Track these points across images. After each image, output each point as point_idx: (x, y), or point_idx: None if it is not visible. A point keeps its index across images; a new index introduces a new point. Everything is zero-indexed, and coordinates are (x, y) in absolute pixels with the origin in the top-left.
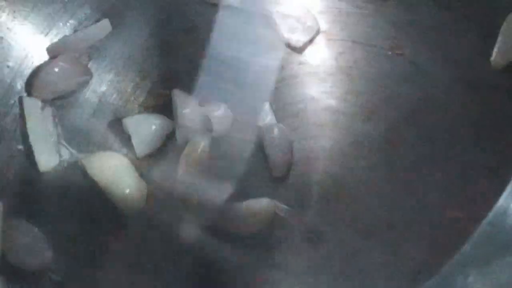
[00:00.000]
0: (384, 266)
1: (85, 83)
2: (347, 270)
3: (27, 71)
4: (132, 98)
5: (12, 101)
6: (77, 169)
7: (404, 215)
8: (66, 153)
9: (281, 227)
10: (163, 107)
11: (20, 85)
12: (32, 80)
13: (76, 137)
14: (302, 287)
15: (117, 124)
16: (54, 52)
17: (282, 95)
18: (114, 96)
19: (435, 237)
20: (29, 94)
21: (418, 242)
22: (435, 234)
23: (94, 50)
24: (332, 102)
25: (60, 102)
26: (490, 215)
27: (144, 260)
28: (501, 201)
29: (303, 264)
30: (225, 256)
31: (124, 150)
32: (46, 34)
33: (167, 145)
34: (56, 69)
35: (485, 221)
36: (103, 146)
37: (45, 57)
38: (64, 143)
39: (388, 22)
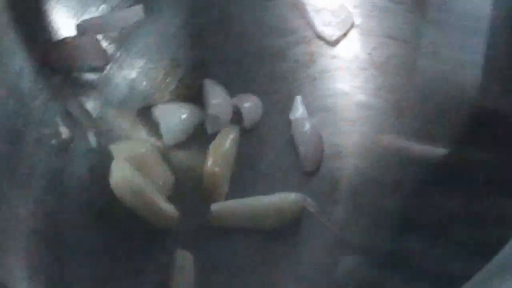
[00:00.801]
0: (408, 269)
1: (100, 68)
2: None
3: None
4: (163, 86)
5: (41, 86)
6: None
7: (433, 217)
8: (94, 141)
9: (308, 223)
10: (194, 96)
11: (49, 68)
12: (48, 51)
13: (105, 125)
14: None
15: (146, 112)
16: (83, 29)
17: (313, 89)
18: (144, 83)
19: (467, 243)
20: (43, 64)
21: (446, 246)
22: (468, 239)
23: (126, 36)
24: (364, 97)
25: (89, 87)
26: (510, 244)
27: None
28: None
29: (327, 261)
30: (250, 250)
31: (153, 139)
32: (78, 18)
33: (196, 135)
34: (72, 47)
35: (502, 251)
36: (132, 134)
37: None
38: (92, 130)
39: (423, 19)
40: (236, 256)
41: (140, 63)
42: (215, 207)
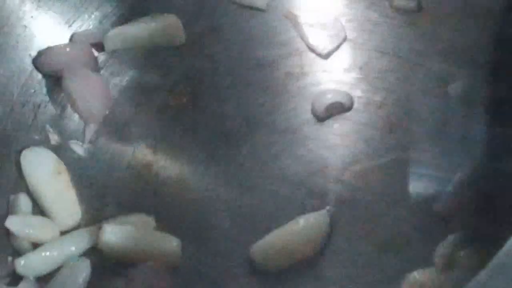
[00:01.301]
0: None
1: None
2: (358, 281)
3: None
4: (153, 95)
5: (32, 90)
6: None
7: (423, 231)
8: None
9: None
10: (184, 105)
11: (40, 74)
12: (40, 55)
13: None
14: None
15: (136, 119)
16: (77, 40)
17: (303, 102)
18: (135, 91)
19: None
20: (35, 67)
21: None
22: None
23: None
24: (354, 111)
25: None
26: (508, 243)
27: None
28: None
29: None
30: None
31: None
32: (70, 25)
33: None
34: (64, 53)
35: (502, 251)
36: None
37: None
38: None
39: (417, 35)
40: None
41: (131, 70)
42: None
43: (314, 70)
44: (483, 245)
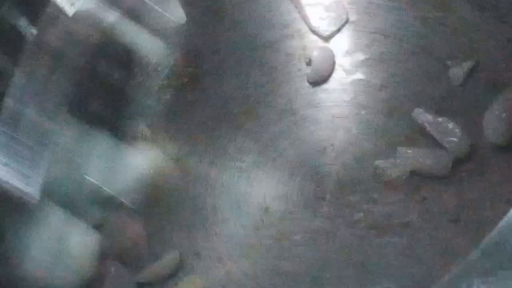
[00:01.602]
0: (394, 266)
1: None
2: (355, 266)
3: None
4: (154, 74)
5: None
6: None
7: (419, 215)
8: None
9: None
10: (185, 85)
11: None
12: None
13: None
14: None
15: (136, 98)
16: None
17: (304, 83)
18: (135, 70)
19: (449, 241)
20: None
21: (431, 243)
22: (449, 238)
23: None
24: (354, 94)
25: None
26: (501, 223)
27: None
28: None
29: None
30: None
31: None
32: (72, 4)
33: None
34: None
35: (495, 230)
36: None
37: None
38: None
39: (417, 18)
40: None
41: (131, 50)
42: None
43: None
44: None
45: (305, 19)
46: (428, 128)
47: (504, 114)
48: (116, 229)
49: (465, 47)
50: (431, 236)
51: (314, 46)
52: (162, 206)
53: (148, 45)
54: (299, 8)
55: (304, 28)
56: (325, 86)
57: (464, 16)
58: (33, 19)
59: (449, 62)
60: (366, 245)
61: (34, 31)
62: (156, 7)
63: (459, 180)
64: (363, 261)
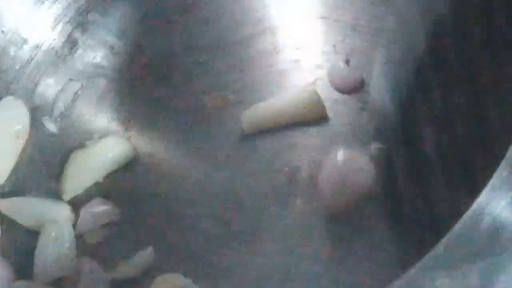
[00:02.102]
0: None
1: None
2: (328, 260)
3: (21, 38)
4: (126, 72)
5: (5, 67)
6: None
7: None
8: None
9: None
10: (157, 80)
11: (13, 51)
12: None
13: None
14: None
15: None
16: None
17: (277, 79)
18: (108, 69)
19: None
20: None
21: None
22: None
23: (91, 21)
24: (326, 89)
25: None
26: (465, 216)
27: None
28: (479, 200)
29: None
30: None
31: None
32: (43, 2)
33: None
34: None
35: (459, 223)
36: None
37: (41, 24)
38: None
39: (392, 13)
40: None
41: (105, 48)
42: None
43: (288, 47)
44: None
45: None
46: None
47: None
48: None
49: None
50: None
51: (285, 42)
52: (134, 202)
53: None
54: (269, 4)
55: (276, 24)
56: (297, 81)
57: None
58: None
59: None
60: (337, 239)
61: None
62: None
63: None
64: (335, 255)
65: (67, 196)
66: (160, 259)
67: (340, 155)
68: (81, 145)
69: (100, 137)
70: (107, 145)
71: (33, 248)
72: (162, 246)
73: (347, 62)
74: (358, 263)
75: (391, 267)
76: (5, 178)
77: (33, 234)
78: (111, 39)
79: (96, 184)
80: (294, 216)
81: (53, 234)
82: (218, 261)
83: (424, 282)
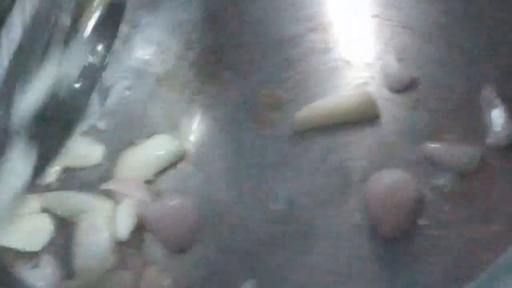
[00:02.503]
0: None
1: None
2: (381, 260)
3: None
4: (176, 69)
5: None
6: None
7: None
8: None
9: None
10: (205, 80)
11: None
12: None
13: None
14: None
15: (158, 93)
16: None
17: (327, 77)
18: (157, 66)
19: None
20: None
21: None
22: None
23: (139, 18)
24: (377, 87)
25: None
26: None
27: None
28: None
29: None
30: None
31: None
32: None
33: None
34: None
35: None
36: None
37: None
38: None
39: (441, 11)
40: None
41: (153, 45)
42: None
43: (338, 45)
44: None
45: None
46: None
47: None
48: None
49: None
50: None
51: (337, 40)
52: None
53: None
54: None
55: (327, 21)
56: (347, 79)
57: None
58: None
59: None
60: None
61: None
62: None
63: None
64: (389, 256)
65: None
66: (212, 259)
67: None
68: (131, 143)
69: (150, 135)
70: (157, 143)
71: None
72: (213, 245)
73: (399, 60)
74: (413, 263)
75: (448, 267)
76: (55, 177)
77: None
78: (160, 36)
79: (146, 182)
80: (347, 215)
81: (90, 226)
82: (271, 260)
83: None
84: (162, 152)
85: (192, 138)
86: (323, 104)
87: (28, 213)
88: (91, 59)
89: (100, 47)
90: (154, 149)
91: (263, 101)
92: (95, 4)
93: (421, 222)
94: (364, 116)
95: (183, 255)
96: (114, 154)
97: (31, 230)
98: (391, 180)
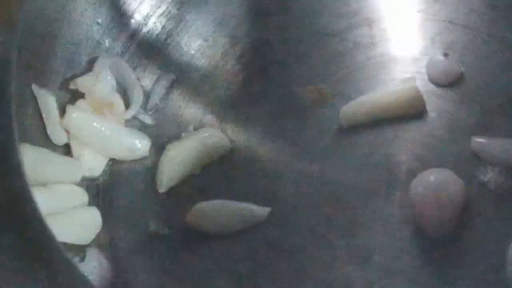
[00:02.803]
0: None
1: None
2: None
3: (116, 29)
4: (221, 64)
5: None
6: None
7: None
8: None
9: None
10: (251, 74)
11: (108, 42)
12: None
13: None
14: None
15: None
16: None
17: (373, 72)
18: (203, 61)
19: None
20: None
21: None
22: None
23: (185, 13)
24: (424, 83)
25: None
26: None
27: None
28: None
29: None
30: None
31: None
32: None
33: None
34: None
35: None
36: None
37: (135, 16)
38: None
39: (488, 6)
40: None
41: (199, 40)
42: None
43: (384, 40)
44: None
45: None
46: None
47: None
48: None
49: None
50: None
51: (382, 35)
52: (231, 196)
53: None
54: None
55: (373, 16)
56: (393, 75)
57: None
58: None
59: None
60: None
61: None
62: None
63: None
64: (433, 252)
65: (163, 188)
66: (259, 253)
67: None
68: (176, 137)
69: (195, 129)
70: (203, 137)
71: (133, 243)
72: (260, 239)
73: (445, 55)
74: (458, 260)
75: (495, 266)
76: (101, 171)
77: (130, 227)
78: (206, 31)
79: (192, 176)
80: (392, 211)
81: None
82: (318, 255)
83: None
84: (207, 146)
85: (237, 133)
86: (369, 99)
87: (77, 206)
88: None
89: None
90: (200, 143)
91: (308, 96)
92: None
93: (466, 218)
94: (410, 111)
95: None
96: (160, 147)
97: (80, 224)
98: (437, 180)
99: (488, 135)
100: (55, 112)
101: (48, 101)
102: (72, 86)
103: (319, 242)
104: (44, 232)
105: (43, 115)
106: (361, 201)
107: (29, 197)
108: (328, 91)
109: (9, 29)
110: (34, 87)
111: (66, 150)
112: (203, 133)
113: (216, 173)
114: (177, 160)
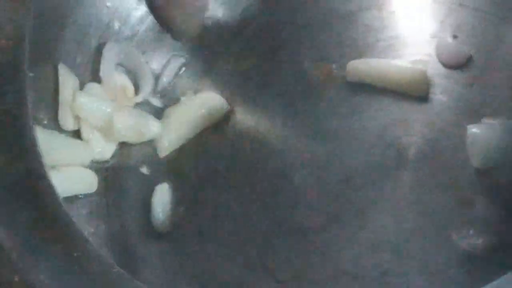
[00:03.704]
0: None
1: None
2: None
3: (125, 12)
4: (231, 46)
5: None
6: None
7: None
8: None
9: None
10: (261, 53)
11: (117, 25)
12: None
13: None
14: None
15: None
16: None
17: (383, 54)
18: (212, 43)
19: None
20: None
21: None
22: None
23: None
24: (435, 65)
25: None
26: None
27: None
28: None
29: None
30: None
31: None
32: None
33: None
34: None
35: None
36: None
37: None
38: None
39: None
40: None
41: (208, 22)
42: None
43: (394, 22)
44: None
45: None
46: None
47: None
48: None
49: None
50: None
51: (392, 18)
52: (239, 175)
53: None
54: None
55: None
56: (404, 57)
57: None
58: None
59: None
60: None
61: None
62: None
63: None
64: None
65: (163, 152)
66: (268, 234)
67: None
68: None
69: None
70: (201, 100)
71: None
72: (268, 219)
73: (455, 37)
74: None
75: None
76: (111, 154)
77: (139, 209)
78: (215, 13)
79: (199, 161)
80: (403, 190)
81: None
82: (327, 235)
83: None
84: (206, 109)
85: (247, 113)
86: (378, 64)
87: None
88: None
89: None
90: (199, 106)
91: (318, 75)
92: None
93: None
94: (413, 92)
95: None
96: None
97: (80, 178)
98: None
99: (497, 117)
100: (71, 96)
101: (69, 83)
102: None
103: (329, 222)
104: (60, 209)
105: (59, 98)
106: (371, 181)
107: (44, 175)
108: (338, 72)
109: (23, 10)
110: (61, 66)
111: (76, 134)
112: (201, 96)
113: (226, 156)
114: (177, 124)
